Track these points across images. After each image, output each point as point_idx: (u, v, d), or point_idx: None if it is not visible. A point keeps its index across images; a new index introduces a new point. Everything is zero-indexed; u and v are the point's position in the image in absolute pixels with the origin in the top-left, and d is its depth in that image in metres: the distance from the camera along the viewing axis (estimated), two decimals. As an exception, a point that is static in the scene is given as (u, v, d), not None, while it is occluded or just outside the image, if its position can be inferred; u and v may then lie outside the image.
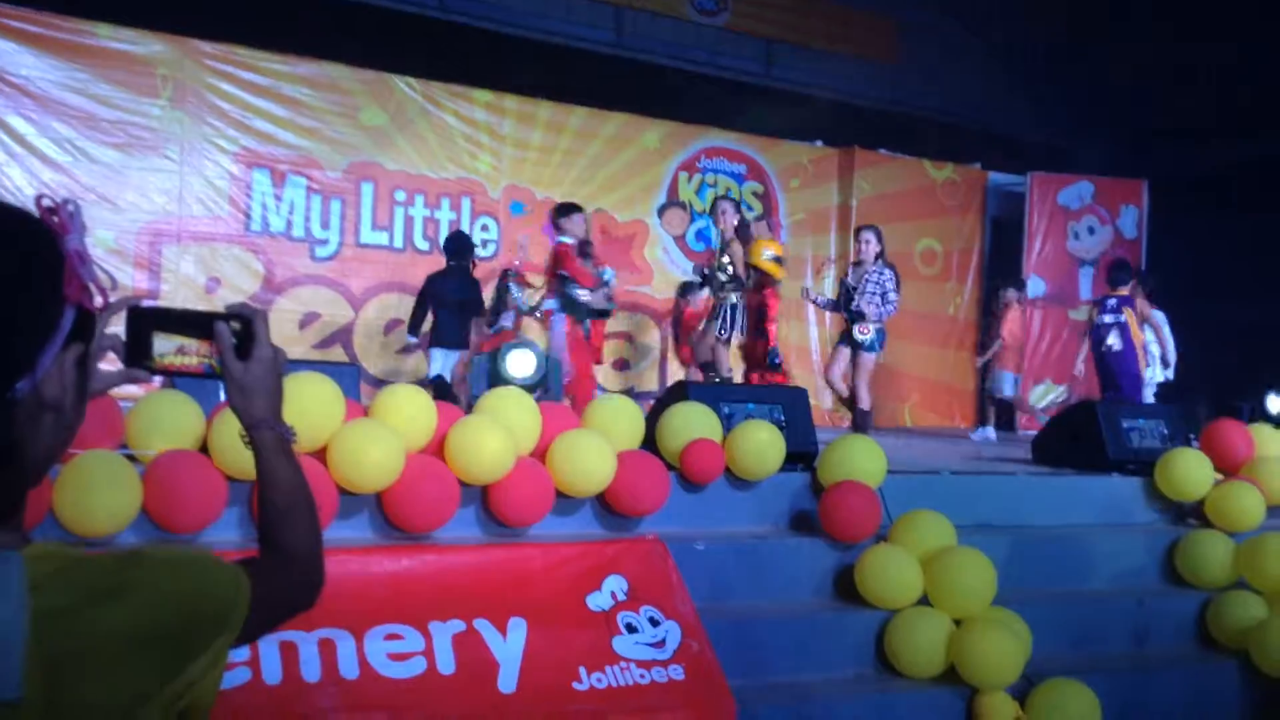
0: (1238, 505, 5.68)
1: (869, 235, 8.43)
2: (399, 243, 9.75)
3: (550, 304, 7.72)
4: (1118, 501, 5.98)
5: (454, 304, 8.17)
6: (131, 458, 3.86)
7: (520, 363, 7.12)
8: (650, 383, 10.56)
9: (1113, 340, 9.04)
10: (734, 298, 8.33)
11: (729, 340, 8.43)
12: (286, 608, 1.39)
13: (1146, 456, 6.09)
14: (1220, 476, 5.96)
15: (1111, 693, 4.56)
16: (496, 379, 6.55)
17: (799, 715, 4.18)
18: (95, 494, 3.58)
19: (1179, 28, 11.08)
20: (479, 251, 9.94)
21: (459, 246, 8.45)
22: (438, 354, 8.17)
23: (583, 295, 7.68)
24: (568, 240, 7.74)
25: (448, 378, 8.11)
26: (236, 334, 1.36)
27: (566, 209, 7.95)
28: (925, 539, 4.69)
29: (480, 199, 10.07)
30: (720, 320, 8.39)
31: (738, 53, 12.84)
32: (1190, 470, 5.82)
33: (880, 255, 8.37)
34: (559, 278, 7.64)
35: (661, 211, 11.08)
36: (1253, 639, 5.04)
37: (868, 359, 8.22)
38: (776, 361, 8.40)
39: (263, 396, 1.39)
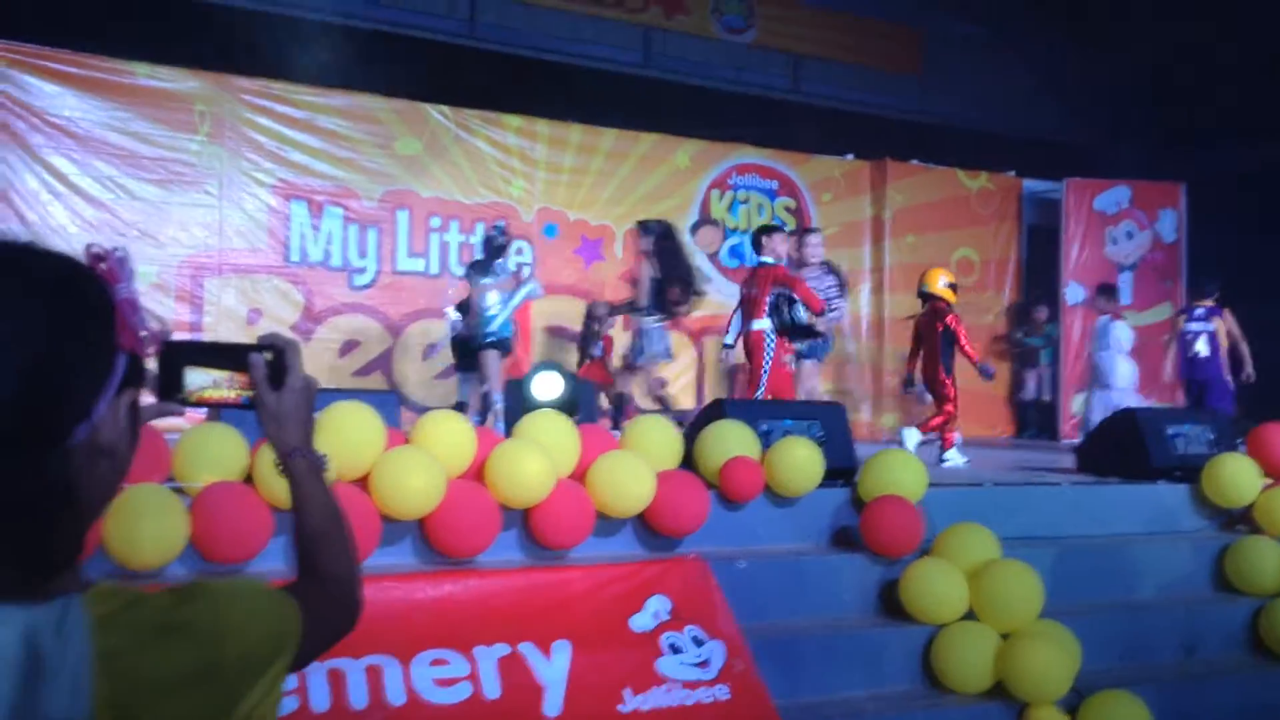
0: (1287, 510, 5.60)
1: (814, 239, 8.21)
2: (435, 269, 9.83)
3: (760, 324, 7.56)
4: (1164, 509, 5.91)
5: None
6: (179, 490, 3.92)
7: (546, 385, 7.12)
8: (687, 402, 10.55)
9: (1201, 347, 9.29)
10: (648, 322, 8.27)
11: (637, 367, 8.48)
12: (331, 632, 1.40)
13: (1193, 463, 6.02)
14: (1268, 481, 5.87)
15: (1162, 703, 4.51)
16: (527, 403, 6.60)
17: (846, 733, 4.16)
18: (143, 527, 3.64)
19: (1208, 26, 10.98)
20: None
21: None
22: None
23: (811, 319, 7.61)
24: (771, 261, 7.62)
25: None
26: (270, 364, 1.38)
27: (769, 230, 7.84)
28: (969, 552, 4.66)
29: (514, 223, 10.13)
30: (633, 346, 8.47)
31: (765, 69, 12.90)
32: (1237, 476, 5.75)
33: (827, 261, 8.28)
34: (782, 299, 7.55)
35: (695, 230, 11.09)
36: (1307, 646, 4.96)
37: (807, 366, 8.03)
38: (990, 372, 8.23)
39: (296, 425, 1.41)
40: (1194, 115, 11.81)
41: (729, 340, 8.00)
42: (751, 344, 7.52)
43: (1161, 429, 6.23)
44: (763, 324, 7.46)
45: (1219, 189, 11.41)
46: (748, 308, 7.58)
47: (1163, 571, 5.45)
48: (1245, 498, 5.77)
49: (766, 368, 7.41)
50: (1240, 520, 5.89)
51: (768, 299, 7.45)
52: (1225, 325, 9.37)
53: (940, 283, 7.98)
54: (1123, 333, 9.87)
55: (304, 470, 1.43)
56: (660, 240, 8.30)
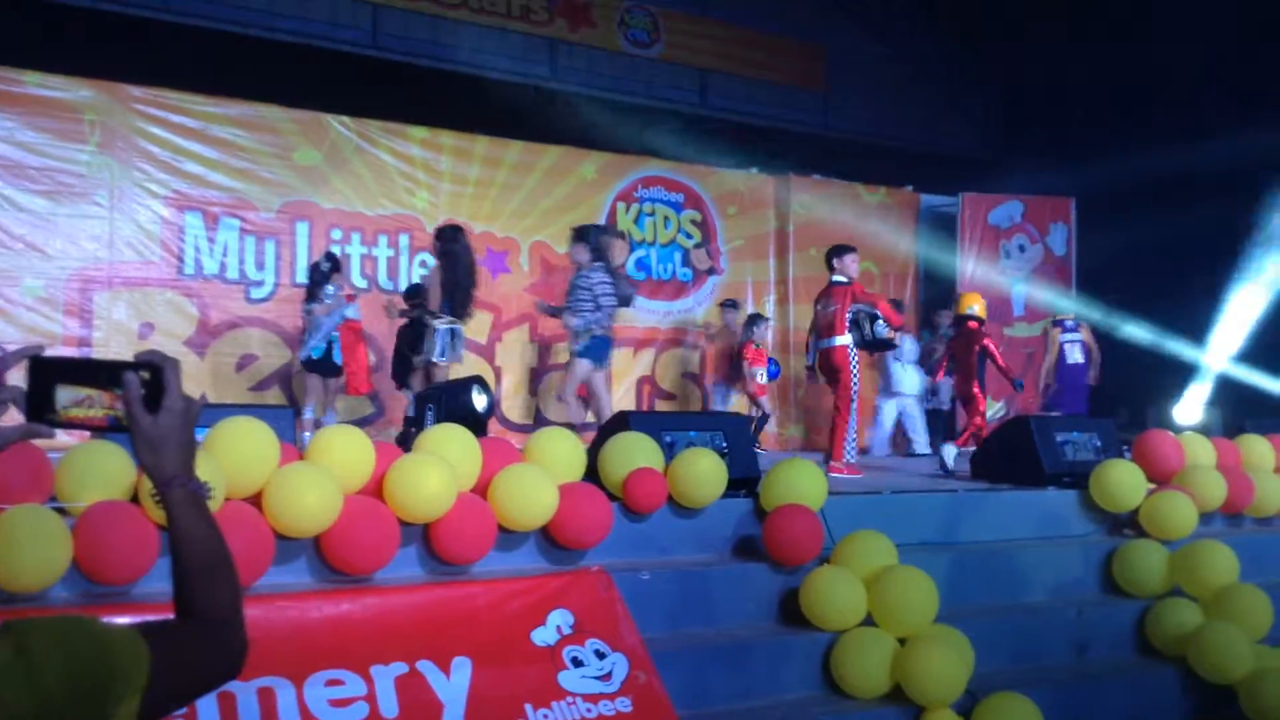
0: (1171, 514, 5.81)
1: (578, 244, 8.27)
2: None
3: (842, 340, 7.80)
4: (1054, 515, 6.08)
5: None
6: (62, 510, 3.78)
7: (480, 398, 7.21)
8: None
9: (1077, 355, 10.28)
10: (437, 324, 7.95)
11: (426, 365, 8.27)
12: (205, 675, 1.31)
13: (1081, 469, 6.21)
14: (1153, 486, 6.09)
15: (1054, 704, 4.63)
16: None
17: (748, 742, 4.19)
18: (24, 549, 3.50)
19: (1102, 44, 11.40)
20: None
21: None
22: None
23: (890, 333, 7.90)
24: (845, 280, 7.89)
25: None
26: (146, 384, 1.29)
27: (842, 250, 8.05)
28: (868, 559, 4.73)
29: (419, 235, 10.04)
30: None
31: (672, 83, 13.01)
32: (1123, 481, 5.94)
33: (598, 260, 8.15)
34: (863, 315, 7.74)
35: (601, 242, 11.11)
36: (1190, 645, 5.14)
37: (575, 365, 8.06)
38: (1021, 385, 8.96)
39: (174, 450, 1.32)
40: (1084, 131, 12.22)
41: (810, 360, 8.43)
42: (836, 361, 7.83)
43: (1052, 437, 6.42)
44: (844, 340, 7.82)
45: (1107, 203, 11.84)
46: (825, 325, 7.87)
47: (1053, 575, 5.60)
48: (1131, 502, 5.96)
49: (855, 383, 7.79)
50: (1127, 524, 6.09)
51: (848, 315, 7.82)
52: (1086, 335, 10.48)
53: (975, 306, 8.71)
54: (908, 344, 10.51)
55: (183, 501, 1.33)
56: (448, 243, 8.11)
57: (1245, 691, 4.98)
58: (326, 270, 8.70)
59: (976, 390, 8.40)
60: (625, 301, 8.53)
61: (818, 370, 8.11)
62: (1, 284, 8.28)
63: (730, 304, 11.07)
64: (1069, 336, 10.40)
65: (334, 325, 8.69)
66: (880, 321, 7.82)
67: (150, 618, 1.38)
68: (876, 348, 8.12)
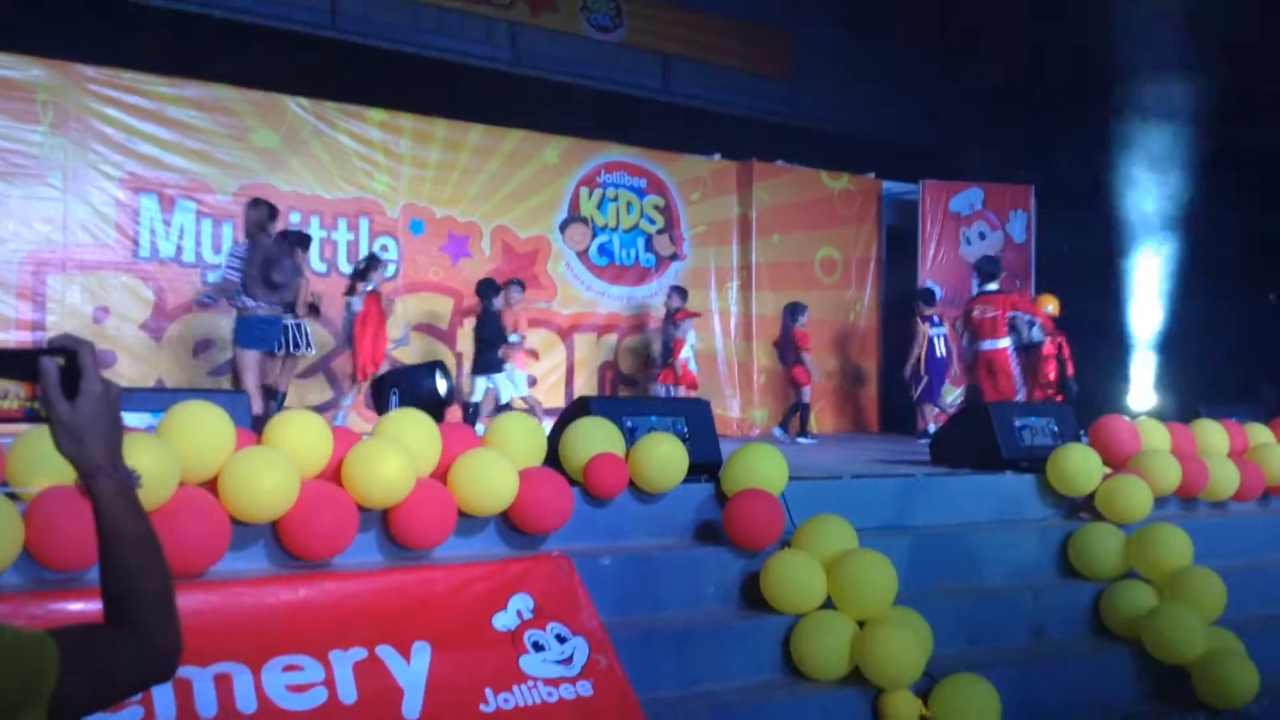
0: (1126, 498, 5.88)
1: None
2: (296, 265, 9.56)
3: (1002, 344, 8.80)
4: (1012, 499, 6.14)
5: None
6: (13, 496, 3.72)
7: (443, 382, 7.81)
8: (557, 399, 10.52)
9: (942, 347, 10.70)
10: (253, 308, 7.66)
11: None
12: (128, 679, 1.23)
13: (1039, 454, 6.27)
14: (1109, 470, 6.16)
15: (1012, 685, 4.68)
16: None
17: (709, 725, 4.20)
18: (-28, 535, 3.44)
19: (1058, 30, 11.48)
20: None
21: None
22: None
23: (1042, 336, 8.91)
24: (1000, 288, 8.94)
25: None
26: (62, 370, 1.21)
27: (996, 259, 9.24)
28: (827, 543, 4.76)
29: (379, 219, 9.95)
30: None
31: (635, 68, 12.96)
32: (1080, 465, 6.01)
33: (263, 228, 7.73)
34: (1020, 320, 8.75)
35: (564, 227, 11.08)
36: (1144, 627, 5.21)
37: (237, 356, 7.71)
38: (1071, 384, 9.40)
39: (98, 438, 1.24)
40: (1043, 119, 12.31)
41: (965, 360, 9.58)
42: (997, 364, 8.79)
43: (1010, 422, 6.47)
44: (1005, 343, 8.80)
45: (1064, 191, 11.95)
46: (980, 329, 8.41)
47: (1011, 558, 5.65)
48: (1087, 486, 6.03)
49: (1019, 382, 8.66)
50: (1083, 508, 6.16)
51: (1007, 320, 8.74)
52: (949, 330, 10.87)
53: (1049, 308, 9.60)
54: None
55: (110, 492, 1.26)
56: (259, 224, 7.81)
57: (1198, 672, 5.06)
58: (363, 269, 8.77)
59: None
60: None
61: (971, 370, 8.71)
62: (-48, 266, 8.12)
63: (678, 290, 10.86)
64: (937, 330, 10.64)
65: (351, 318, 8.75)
66: (1037, 326, 8.79)
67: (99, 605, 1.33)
68: (1028, 349, 8.90)
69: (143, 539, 1.27)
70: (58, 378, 1.21)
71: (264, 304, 7.62)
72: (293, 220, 9.53)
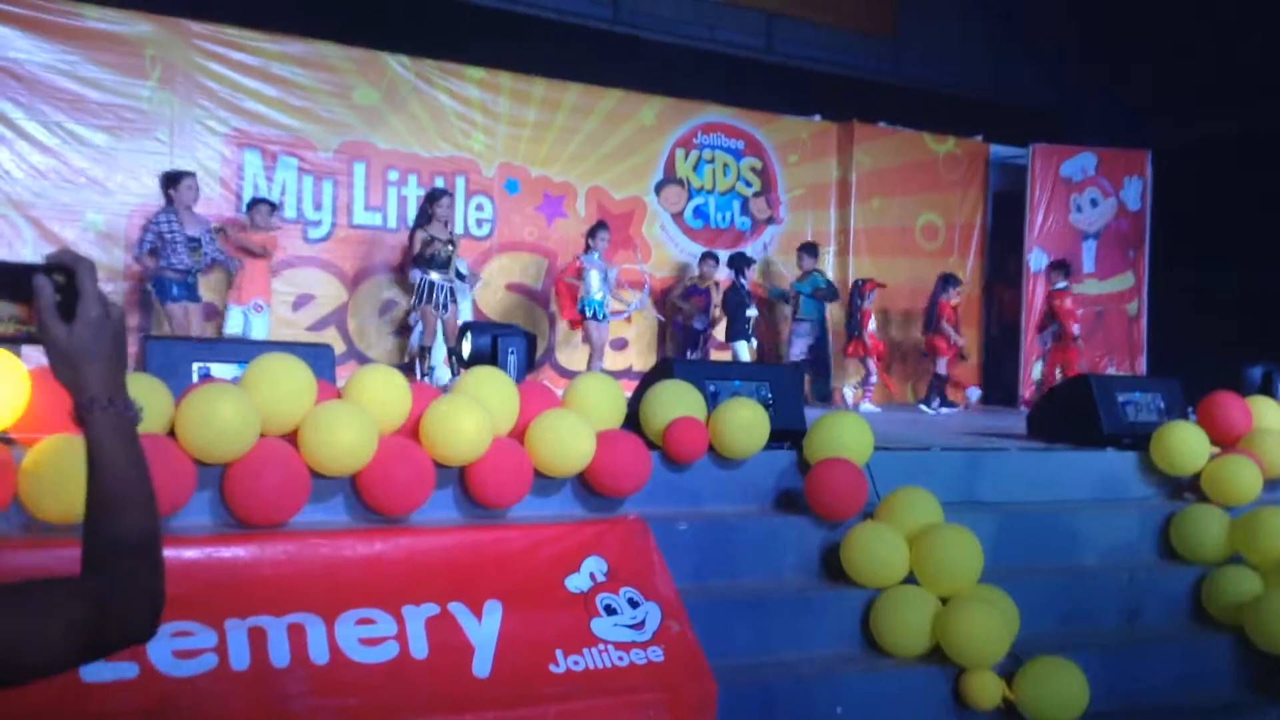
0: (1234, 479, 5.61)
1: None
2: (393, 223, 9.67)
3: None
4: (1112, 477, 5.90)
5: None
6: (8, 441, 3.70)
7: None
8: (649, 361, 10.47)
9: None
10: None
11: None
12: (96, 637, 1.11)
13: (1143, 430, 6.01)
14: (1217, 450, 5.88)
15: (1102, 669, 4.51)
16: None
17: (783, 695, 4.13)
18: None
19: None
20: (477, 231, 9.92)
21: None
22: None
23: None
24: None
25: None
26: (60, 289, 1.14)
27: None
28: (912, 517, 4.63)
29: (475, 178, 9.98)
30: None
31: (737, 27, 12.72)
32: (1186, 444, 5.74)
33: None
34: None
35: (659, 189, 10.98)
36: (1247, 614, 4.97)
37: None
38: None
39: (96, 365, 1.16)
40: (1164, 83, 11.76)
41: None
42: None
43: (1113, 396, 6.21)
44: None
45: (1184, 156, 11.40)
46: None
47: (1107, 538, 5.44)
48: (1193, 466, 5.77)
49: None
50: (1188, 489, 5.90)
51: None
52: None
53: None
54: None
55: (106, 425, 1.17)
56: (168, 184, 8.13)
57: (1304, 664, 4.82)
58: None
59: None
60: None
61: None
62: (63, 219, 8.38)
63: (710, 255, 10.55)
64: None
65: None
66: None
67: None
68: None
69: (134, 481, 1.18)
70: (54, 298, 1.14)
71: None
72: (390, 179, 9.63)
